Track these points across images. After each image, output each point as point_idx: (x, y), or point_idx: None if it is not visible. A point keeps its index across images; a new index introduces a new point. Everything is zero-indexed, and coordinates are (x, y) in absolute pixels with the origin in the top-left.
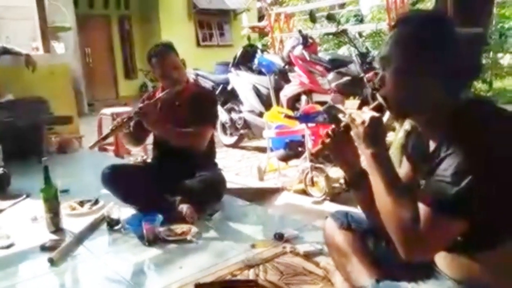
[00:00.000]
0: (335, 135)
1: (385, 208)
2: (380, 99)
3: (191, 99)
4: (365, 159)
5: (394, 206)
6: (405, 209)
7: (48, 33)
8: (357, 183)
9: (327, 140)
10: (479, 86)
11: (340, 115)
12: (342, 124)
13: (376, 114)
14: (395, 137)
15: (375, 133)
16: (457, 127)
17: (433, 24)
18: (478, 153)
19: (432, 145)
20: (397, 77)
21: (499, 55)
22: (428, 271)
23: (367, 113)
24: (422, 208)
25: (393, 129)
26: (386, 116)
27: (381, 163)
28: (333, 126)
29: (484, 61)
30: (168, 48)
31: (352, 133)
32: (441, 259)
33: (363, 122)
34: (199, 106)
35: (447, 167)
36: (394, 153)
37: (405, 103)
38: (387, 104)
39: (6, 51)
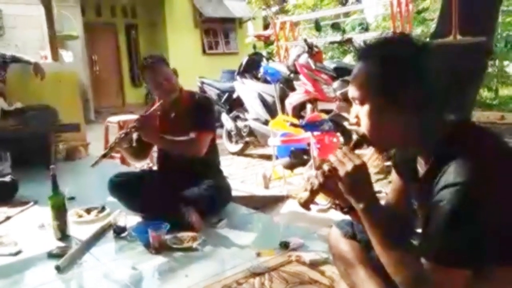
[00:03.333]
0: (322, 182)
1: (387, 262)
2: (357, 136)
3: (186, 107)
4: (358, 211)
5: (395, 260)
6: (407, 263)
7: (56, 41)
8: (352, 209)
9: (316, 187)
10: (485, 94)
11: (345, 123)
12: (326, 170)
13: (358, 162)
14: None
15: (361, 185)
16: (446, 160)
17: (402, 54)
18: (471, 198)
19: (420, 169)
20: (373, 116)
21: (505, 63)
22: None
23: (349, 162)
24: (423, 261)
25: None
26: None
27: (374, 217)
28: (321, 169)
29: (489, 69)
30: (158, 60)
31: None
32: None
33: (346, 174)
34: (194, 113)
35: (440, 215)
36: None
37: (386, 140)
38: (367, 140)
39: (15, 60)
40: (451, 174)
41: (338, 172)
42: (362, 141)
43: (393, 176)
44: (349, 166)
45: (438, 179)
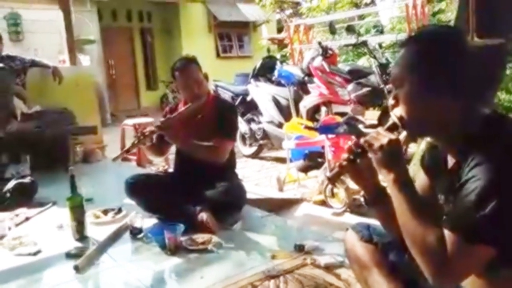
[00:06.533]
0: (353, 158)
1: (410, 234)
2: (394, 119)
3: (212, 112)
4: (387, 184)
5: (419, 232)
6: (430, 236)
7: (74, 46)
8: (377, 201)
9: (344, 163)
10: (503, 97)
11: (360, 126)
12: (358, 149)
13: (393, 137)
14: (417, 149)
15: (395, 158)
16: (477, 146)
17: (445, 41)
18: (502, 175)
19: (450, 160)
20: (411, 98)
21: None
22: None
23: (384, 137)
24: (448, 235)
25: (415, 140)
26: (402, 134)
27: (404, 188)
28: (350, 145)
29: (508, 71)
30: (191, 62)
31: (371, 157)
32: None
33: (381, 147)
34: (220, 119)
35: (470, 191)
36: (416, 164)
37: (421, 124)
38: (402, 123)
39: (34, 64)
40: (483, 155)
41: (372, 147)
42: (397, 124)
43: (420, 175)
44: (384, 140)
45: (468, 163)
